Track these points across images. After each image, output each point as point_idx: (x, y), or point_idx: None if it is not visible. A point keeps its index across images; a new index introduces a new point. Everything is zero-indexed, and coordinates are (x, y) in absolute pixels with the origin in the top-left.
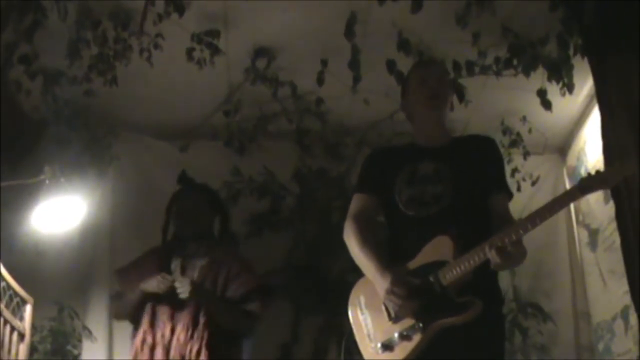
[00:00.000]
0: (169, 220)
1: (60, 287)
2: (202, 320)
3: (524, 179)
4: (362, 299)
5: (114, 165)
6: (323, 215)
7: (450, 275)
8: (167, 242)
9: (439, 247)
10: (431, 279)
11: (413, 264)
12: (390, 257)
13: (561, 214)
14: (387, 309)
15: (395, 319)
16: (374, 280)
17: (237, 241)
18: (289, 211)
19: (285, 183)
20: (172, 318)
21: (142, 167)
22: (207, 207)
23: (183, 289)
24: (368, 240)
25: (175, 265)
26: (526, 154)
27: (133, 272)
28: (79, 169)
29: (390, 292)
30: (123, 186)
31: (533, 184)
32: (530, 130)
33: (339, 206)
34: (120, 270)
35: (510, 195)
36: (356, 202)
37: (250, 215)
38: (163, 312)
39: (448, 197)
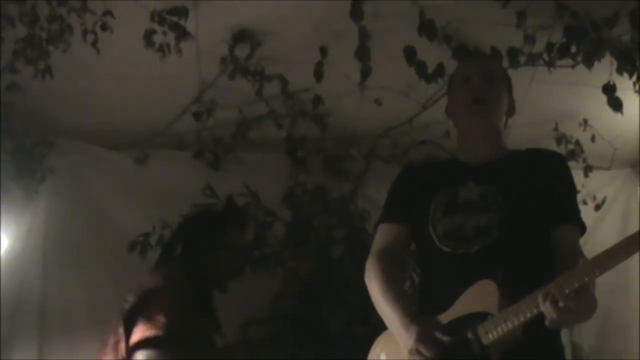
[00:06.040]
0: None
1: None
2: None
3: (585, 202)
4: (383, 358)
5: (48, 183)
6: (322, 249)
7: (493, 332)
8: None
9: (480, 295)
10: (469, 336)
11: (447, 315)
12: (420, 305)
13: None
14: None
15: None
16: (397, 335)
17: None
18: (277, 244)
19: (272, 207)
20: None
21: (86, 185)
22: None
23: None
24: (393, 284)
25: None
26: (588, 169)
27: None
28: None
29: (415, 351)
30: (60, 209)
31: (597, 208)
32: (593, 138)
33: (342, 237)
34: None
35: (582, 229)
36: (381, 235)
37: None
38: None
39: (496, 230)
